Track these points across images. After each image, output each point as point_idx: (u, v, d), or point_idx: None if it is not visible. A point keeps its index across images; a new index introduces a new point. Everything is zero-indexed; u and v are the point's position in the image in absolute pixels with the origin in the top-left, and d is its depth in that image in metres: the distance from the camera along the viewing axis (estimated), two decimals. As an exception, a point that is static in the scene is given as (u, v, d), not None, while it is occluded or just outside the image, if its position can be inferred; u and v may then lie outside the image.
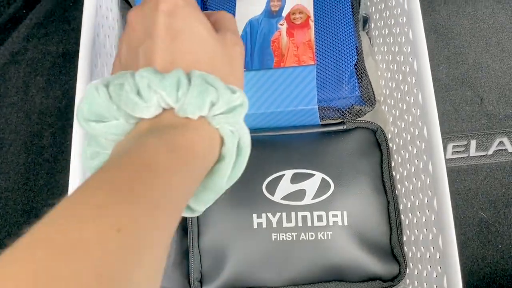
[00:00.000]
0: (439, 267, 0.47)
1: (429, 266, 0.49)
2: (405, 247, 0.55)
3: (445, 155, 0.61)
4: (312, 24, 0.57)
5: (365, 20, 0.68)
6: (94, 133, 0.29)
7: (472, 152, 0.68)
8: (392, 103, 0.60)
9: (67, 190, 0.46)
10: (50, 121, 0.70)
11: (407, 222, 0.55)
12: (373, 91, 0.56)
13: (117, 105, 0.28)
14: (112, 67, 0.34)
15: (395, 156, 0.59)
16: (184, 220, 0.57)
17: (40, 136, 0.70)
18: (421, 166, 0.51)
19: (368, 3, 0.69)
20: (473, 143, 0.68)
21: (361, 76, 0.55)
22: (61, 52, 0.74)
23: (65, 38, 0.75)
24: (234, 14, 0.60)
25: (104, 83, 0.28)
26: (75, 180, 0.47)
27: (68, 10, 0.76)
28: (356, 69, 0.55)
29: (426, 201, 0.50)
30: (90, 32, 0.53)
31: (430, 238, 0.49)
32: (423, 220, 0.51)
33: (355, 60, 0.55)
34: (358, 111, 0.55)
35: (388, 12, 0.61)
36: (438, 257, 0.47)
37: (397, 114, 0.58)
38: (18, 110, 0.71)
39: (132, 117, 0.28)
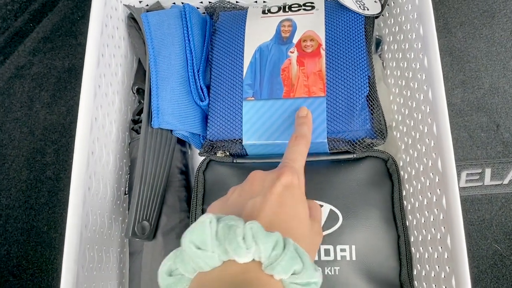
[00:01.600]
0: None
1: (441, 306, 0.47)
2: (415, 282, 0.53)
3: (458, 183, 0.59)
4: (323, 52, 0.55)
5: (378, 42, 0.66)
6: (191, 255, 0.32)
7: (487, 180, 0.66)
8: (405, 130, 0.57)
9: (67, 210, 0.45)
10: (53, 138, 0.69)
11: (418, 256, 0.53)
12: (385, 123, 0.54)
13: (220, 241, 0.31)
14: (212, 206, 0.40)
15: (407, 186, 0.56)
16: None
17: (43, 153, 0.69)
18: (434, 200, 0.48)
19: (382, 25, 0.67)
20: (488, 171, 0.66)
21: (373, 108, 0.53)
22: (67, 67, 0.73)
23: (71, 53, 0.74)
24: (243, 39, 0.58)
25: (217, 218, 0.33)
26: (75, 200, 0.46)
27: (76, 24, 0.75)
28: (368, 100, 0.53)
29: (439, 237, 0.47)
30: (94, 51, 0.52)
31: (443, 276, 0.46)
32: (435, 256, 0.48)
33: (367, 92, 0.53)
34: (369, 144, 0.53)
35: (402, 35, 0.59)
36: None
37: (410, 142, 0.56)
38: (21, 126, 0.70)
39: (227, 256, 0.32)
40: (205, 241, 0.32)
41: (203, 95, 0.58)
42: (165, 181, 0.56)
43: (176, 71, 0.57)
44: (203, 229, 0.32)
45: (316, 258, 0.50)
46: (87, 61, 0.51)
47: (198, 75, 0.58)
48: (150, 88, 0.55)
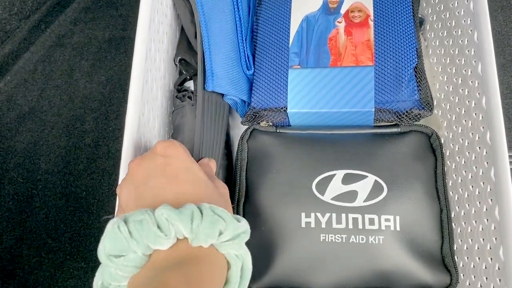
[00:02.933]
0: (497, 279, 0.44)
1: (485, 278, 0.47)
2: (456, 257, 0.53)
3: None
4: (371, 23, 0.55)
5: (421, 22, 0.66)
6: (114, 267, 0.31)
7: (525, 163, 0.66)
8: (448, 107, 0.58)
9: (108, 175, 0.46)
10: (93, 106, 0.70)
11: (459, 231, 0.53)
12: (431, 95, 0.54)
13: (137, 240, 0.31)
14: (116, 215, 0.39)
15: (448, 162, 0.57)
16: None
17: (82, 121, 0.69)
18: (481, 173, 0.48)
19: (424, 4, 0.67)
20: (526, 154, 0.66)
21: (421, 79, 0.53)
22: (107, 37, 0.74)
23: (112, 24, 0.74)
24: (289, 9, 0.58)
25: (123, 219, 0.32)
26: (126, 160, 0.47)
27: (116, -4, 0.76)
28: (415, 72, 0.53)
29: (485, 209, 0.47)
30: (147, 14, 0.52)
31: (488, 248, 0.46)
32: (480, 229, 0.48)
33: (416, 63, 0.53)
34: (416, 115, 0.53)
35: (448, 13, 0.59)
36: (497, 268, 0.45)
37: (454, 118, 0.56)
38: (61, 93, 0.71)
39: (150, 249, 0.32)
40: (122, 246, 0.31)
41: (249, 64, 0.59)
42: (223, 147, 0.56)
43: (228, 37, 0.58)
44: (115, 236, 0.31)
45: (360, 227, 0.50)
46: (140, 22, 0.51)
47: (246, 43, 0.59)
48: (203, 52, 0.56)
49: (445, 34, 0.60)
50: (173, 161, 0.37)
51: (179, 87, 0.62)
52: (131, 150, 0.47)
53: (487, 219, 0.47)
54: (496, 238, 0.45)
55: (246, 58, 0.58)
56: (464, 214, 0.52)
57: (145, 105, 0.51)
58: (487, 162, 0.47)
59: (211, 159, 0.49)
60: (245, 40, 0.59)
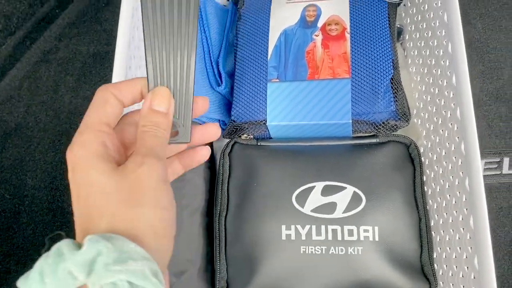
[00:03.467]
0: (473, 288, 0.45)
1: (462, 286, 0.47)
2: (436, 265, 0.54)
3: (477, 172, 0.59)
4: (348, 36, 0.56)
5: (400, 31, 0.67)
6: None
7: (505, 169, 0.67)
8: (426, 116, 0.58)
9: None
10: (78, 121, 0.70)
11: (438, 239, 0.54)
12: (408, 106, 0.55)
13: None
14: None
15: (427, 171, 0.57)
16: (210, 227, 0.57)
17: (68, 136, 0.70)
18: (457, 183, 0.49)
19: (403, 14, 0.68)
20: (506, 160, 0.67)
21: (397, 90, 0.54)
22: (92, 52, 0.74)
23: (96, 39, 0.75)
24: (268, 24, 0.59)
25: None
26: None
27: (101, 11, 0.77)
28: (392, 83, 0.54)
29: (461, 219, 0.48)
30: (126, 34, 0.53)
31: (465, 257, 0.47)
32: (457, 238, 0.49)
33: (392, 74, 0.54)
34: (392, 126, 0.54)
35: (425, 24, 0.60)
36: (473, 277, 0.45)
37: (432, 128, 0.57)
38: (47, 109, 0.72)
39: None
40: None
41: (220, 80, 0.60)
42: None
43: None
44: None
45: (340, 238, 0.51)
46: (119, 43, 0.52)
47: (218, 61, 0.60)
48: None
49: (423, 44, 0.61)
50: (77, 172, 0.29)
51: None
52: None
53: (463, 228, 0.48)
54: (471, 248, 0.46)
55: (217, 75, 0.60)
56: (442, 223, 0.53)
57: (126, 122, 0.52)
58: (462, 172, 0.48)
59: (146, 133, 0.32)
60: (218, 58, 0.60)
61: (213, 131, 0.37)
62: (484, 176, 0.67)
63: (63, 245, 0.26)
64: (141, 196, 0.29)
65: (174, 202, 0.31)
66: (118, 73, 0.51)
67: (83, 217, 0.29)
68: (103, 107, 0.32)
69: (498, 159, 0.67)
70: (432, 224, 0.55)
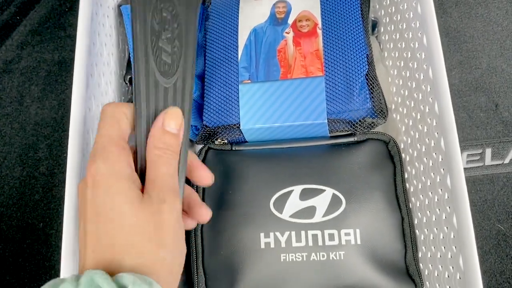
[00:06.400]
0: (459, 289, 0.44)
1: (448, 286, 0.46)
2: (421, 264, 0.52)
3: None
4: (319, 32, 0.54)
5: (374, 24, 0.65)
6: None
7: (488, 161, 0.65)
8: (405, 111, 0.57)
9: (63, 205, 0.43)
10: (46, 133, 0.67)
11: (422, 238, 0.52)
12: (385, 102, 0.53)
13: None
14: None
15: (409, 168, 0.56)
16: (186, 239, 0.54)
17: (35, 149, 0.67)
18: (438, 180, 0.48)
19: (377, 6, 0.66)
20: (488, 151, 0.65)
21: (373, 86, 0.52)
22: (56, 60, 0.71)
23: (61, 46, 0.72)
24: (237, 22, 0.57)
25: None
26: (71, 195, 0.45)
27: (64, 16, 0.73)
28: (367, 79, 0.52)
29: (444, 217, 0.47)
30: (85, 39, 0.50)
31: (449, 256, 0.46)
32: (441, 237, 0.48)
33: (366, 70, 0.52)
34: (370, 124, 0.52)
35: (399, 15, 0.58)
36: (458, 277, 0.44)
37: (410, 123, 0.55)
38: (12, 121, 0.68)
39: None
40: None
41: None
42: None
43: None
44: None
45: (320, 243, 0.49)
46: (78, 49, 0.49)
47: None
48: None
49: (398, 37, 0.59)
50: (98, 194, 0.29)
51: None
52: (75, 188, 0.45)
53: (447, 227, 0.46)
54: (455, 247, 0.44)
55: None
56: (426, 221, 0.51)
57: (90, 134, 0.49)
58: (443, 169, 0.47)
59: (162, 167, 0.32)
60: None
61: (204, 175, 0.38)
62: (467, 169, 0.65)
63: (99, 278, 0.25)
64: (164, 237, 0.29)
65: (185, 244, 0.32)
66: (78, 82, 0.48)
67: (101, 243, 0.28)
68: (117, 124, 0.32)
69: (480, 151, 0.66)
70: (416, 222, 0.54)
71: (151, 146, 0.32)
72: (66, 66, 0.71)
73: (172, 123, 0.32)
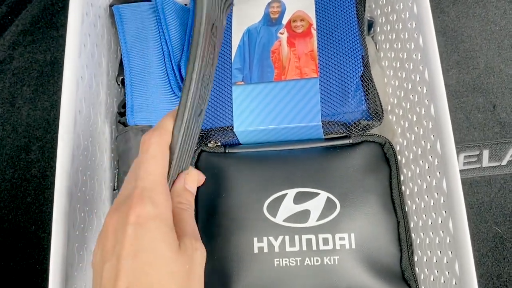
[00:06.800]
0: (455, 295, 0.43)
1: (444, 292, 0.45)
2: (417, 268, 0.52)
3: (456, 167, 0.57)
4: (314, 32, 0.53)
5: (370, 24, 0.64)
6: None
7: (485, 162, 0.64)
8: (401, 113, 0.56)
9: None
10: (38, 134, 0.66)
11: (418, 242, 0.52)
12: (380, 104, 0.52)
13: None
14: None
15: (405, 170, 0.55)
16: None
17: (27, 151, 0.66)
18: (434, 183, 0.47)
19: (373, 6, 0.65)
20: (485, 153, 0.65)
21: (368, 88, 0.51)
22: (49, 60, 0.70)
23: (53, 46, 0.71)
24: (230, 22, 0.56)
25: None
26: (61, 198, 0.44)
27: (56, 15, 0.72)
28: (362, 80, 0.51)
29: (440, 221, 0.46)
30: (76, 41, 0.49)
31: (445, 261, 0.45)
32: (437, 241, 0.47)
33: (361, 71, 0.51)
34: (365, 126, 0.51)
35: (395, 15, 0.57)
36: (454, 283, 0.43)
37: (406, 125, 0.54)
38: (4, 123, 0.68)
39: None
40: None
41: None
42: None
43: (152, 66, 0.56)
44: None
45: (315, 248, 0.48)
46: (68, 51, 0.48)
47: (179, 65, 0.56)
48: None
49: (394, 37, 0.58)
50: (143, 235, 0.30)
51: (122, 110, 0.59)
52: (66, 190, 0.45)
53: (443, 232, 0.45)
54: (451, 252, 0.44)
55: (179, 81, 0.56)
56: (422, 225, 0.51)
57: (80, 137, 0.48)
58: (439, 172, 0.46)
59: (186, 213, 0.35)
60: (180, 61, 0.57)
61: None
62: (464, 170, 0.65)
63: None
64: (193, 284, 0.31)
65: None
66: (68, 85, 0.47)
67: (139, 280, 0.29)
68: (164, 161, 0.33)
69: (477, 152, 0.65)
70: (411, 225, 0.53)
71: (175, 201, 0.34)
72: (58, 66, 0.70)
73: (193, 184, 0.37)
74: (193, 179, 0.37)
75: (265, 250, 0.49)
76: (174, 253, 0.31)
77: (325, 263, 0.48)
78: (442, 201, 0.45)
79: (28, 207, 0.64)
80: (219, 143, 0.55)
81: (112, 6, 0.59)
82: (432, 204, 0.48)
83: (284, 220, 0.49)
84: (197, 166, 0.55)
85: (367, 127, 0.51)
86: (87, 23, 0.52)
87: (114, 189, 0.57)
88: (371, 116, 0.51)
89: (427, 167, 0.49)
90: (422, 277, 0.51)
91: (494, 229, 0.62)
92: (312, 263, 0.48)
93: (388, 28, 0.60)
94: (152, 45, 0.57)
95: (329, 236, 0.49)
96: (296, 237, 0.49)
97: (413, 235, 0.52)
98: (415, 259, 0.52)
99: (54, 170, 0.65)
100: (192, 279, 0.31)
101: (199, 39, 0.33)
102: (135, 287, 0.29)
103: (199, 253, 0.33)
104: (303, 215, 0.49)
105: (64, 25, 0.72)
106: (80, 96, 0.49)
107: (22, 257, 0.62)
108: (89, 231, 0.50)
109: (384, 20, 0.61)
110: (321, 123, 0.51)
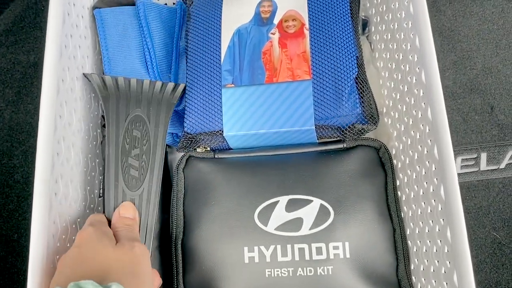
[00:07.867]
0: (454, 306, 0.41)
1: (442, 304, 0.43)
2: (414, 278, 0.50)
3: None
4: (307, 32, 0.51)
5: (365, 23, 0.62)
6: None
7: (483, 166, 0.63)
8: (397, 116, 0.54)
9: None
10: (21, 139, 0.64)
11: (415, 250, 0.50)
12: (376, 107, 0.50)
13: None
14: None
15: (401, 175, 0.53)
16: (168, 256, 0.52)
17: (10, 155, 0.64)
18: (431, 190, 0.45)
19: (368, 4, 0.64)
20: (483, 156, 0.63)
21: (363, 90, 0.49)
22: (32, 61, 0.68)
23: (37, 46, 0.68)
24: (220, 22, 0.54)
25: None
26: (39, 210, 0.42)
27: (40, 15, 0.70)
28: (357, 83, 0.49)
29: (437, 229, 0.44)
30: (56, 42, 0.47)
31: (443, 271, 0.43)
32: (434, 250, 0.45)
33: (356, 73, 0.49)
34: (360, 130, 0.49)
35: (390, 15, 0.55)
36: (452, 294, 0.41)
37: (402, 128, 0.52)
38: (-15, 127, 0.65)
39: None
40: None
41: None
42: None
43: (133, 74, 0.54)
44: None
45: (308, 258, 0.47)
46: (47, 53, 0.46)
47: (171, 67, 0.55)
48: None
49: (389, 37, 0.56)
50: (84, 250, 0.38)
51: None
52: (45, 199, 0.42)
53: (440, 240, 0.44)
54: (449, 262, 0.42)
55: None
56: (418, 232, 0.49)
57: (61, 143, 0.46)
58: (436, 179, 0.44)
59: (120, 224, 0.44)
60: (171, 64, 0.55)
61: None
62: (461, 174, 0.63)
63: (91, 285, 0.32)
64: (140, 270, 0.38)
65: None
66: (48, 87, 0.45)
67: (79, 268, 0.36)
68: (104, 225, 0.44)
69: (475, 155, 0.63)
70: (408, 233, 0.51)
71: (113, 229, 0.43)
72: (42, 68, 0.67)
73: (127, 212, 0.45)
74: (126, 207, 0.45)
75: (256, 260, 0.47)
76: (113, 248, 0.39)
77: (318, 273, 0.46)
78: (439, 208, 0.43)
79: (10, 214, 0.62)
80: (208, 148, 0.53)
81: (95, 9, 0.56)
82: (429, 211, 0.46)
83: (276, 229, 0.47)
84: (185, 172, 0.53)
85: (362, 131, 0.49)
86: (68, 23, 0.50)
87: (99, 196, 0.55)
88: (366, 119, 0.49)
89: (423, 173, 0.47)
90: (419, 287, 0.49)
91: (493, 234, 0.60)
92: (305, 274, 0.46)
93: (383, 27, 0.58)
94: (134, 53, 0.55)
95: (322, 245, 0.47)
96: (289, 246, 0.47)
97: (409, 242, 0.51)
98: (412, 267, 0.50)
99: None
100: (140, 270, 0.38)
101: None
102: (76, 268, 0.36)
103: (137, 248, 0.39)
104: (296, 223, 0.47)
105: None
106: (61, 99, 0.47)
107: (4, 266, 0.60)
108: (72, 242, 0.47)
109: (379, 19, 0.59)
110: (314, 127, 0.49)
